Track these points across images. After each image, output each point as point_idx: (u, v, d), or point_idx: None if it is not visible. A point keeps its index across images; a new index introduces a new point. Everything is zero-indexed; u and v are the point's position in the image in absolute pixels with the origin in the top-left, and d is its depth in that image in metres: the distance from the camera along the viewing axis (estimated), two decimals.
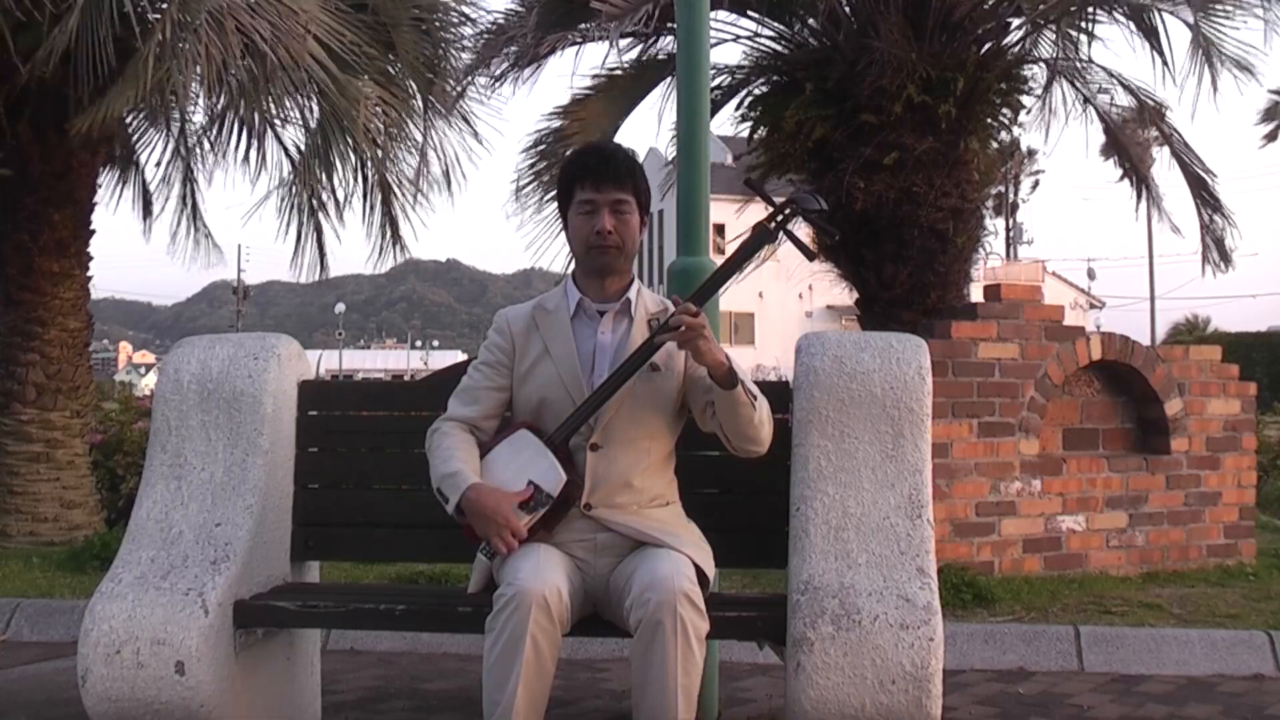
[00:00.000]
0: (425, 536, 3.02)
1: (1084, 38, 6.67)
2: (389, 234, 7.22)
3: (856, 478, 2.72)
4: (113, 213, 6.88)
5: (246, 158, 7.22)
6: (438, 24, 6.97)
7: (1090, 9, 6.41)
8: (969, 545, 5.01)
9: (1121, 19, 6.53)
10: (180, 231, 7.86)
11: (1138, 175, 7.72)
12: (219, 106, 6.66)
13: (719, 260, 2.79)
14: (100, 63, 5.09)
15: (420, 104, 6.97)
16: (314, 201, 7.30)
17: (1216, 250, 7.42)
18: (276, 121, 7.10)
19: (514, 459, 2.56)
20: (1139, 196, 7.74)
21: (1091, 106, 7.34)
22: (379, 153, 6.77)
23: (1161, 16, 6.40)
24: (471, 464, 2.57)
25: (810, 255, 2.96)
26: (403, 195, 7.06)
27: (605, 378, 2.57)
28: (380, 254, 7.27)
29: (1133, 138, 7.85)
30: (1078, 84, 7.26)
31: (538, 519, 2.51)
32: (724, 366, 2.46)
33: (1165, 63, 6.45)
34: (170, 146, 7.47)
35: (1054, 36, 6.80)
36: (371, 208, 7.11)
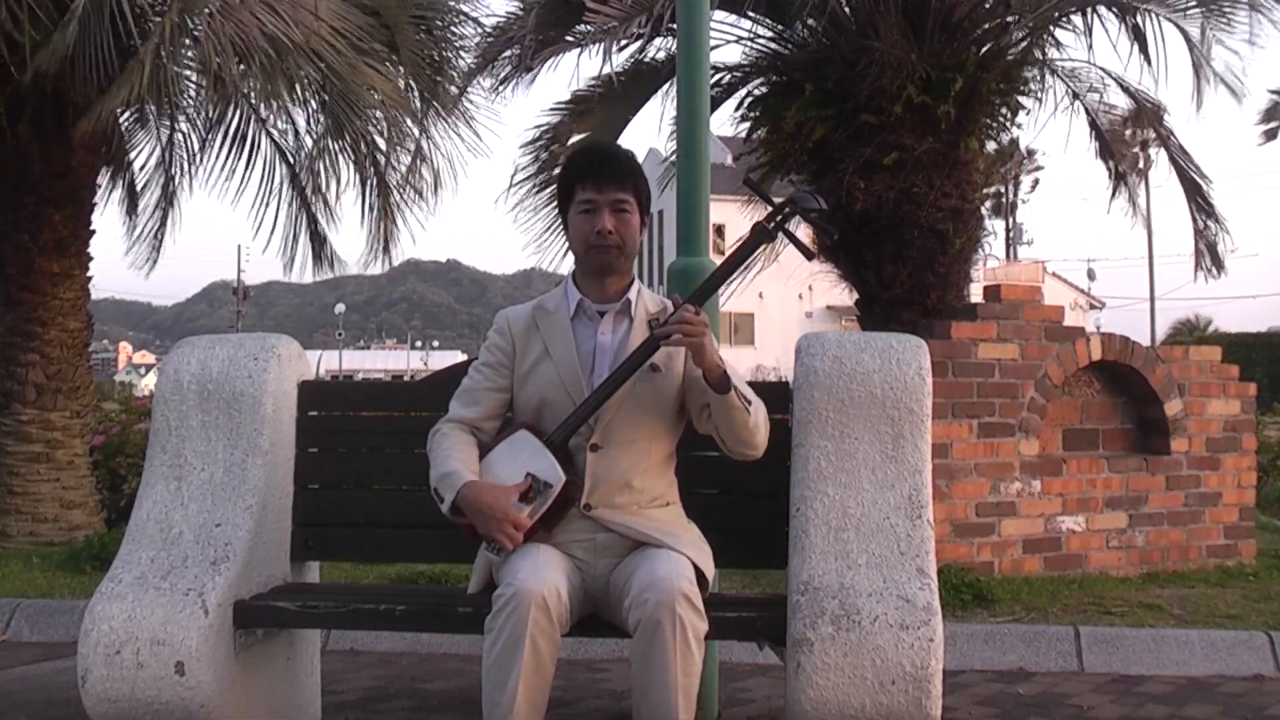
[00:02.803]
0: (425, 536, 3.02)
1: (1078, 37, 6.70)
2: (384, 235, 7.18)
3: (856, 478, 2.72)
4: (101, 214, 6.80)
5: (240, 150, 7.20)
6: (440, 23, 6.96)
7: (1085, 9, 6.42)
8: (969, 545, 5.01)
9: (1115, 20, 6.55)
10: (155, 229, 7.80)
11: (1118, 173, 7.79)
12: (215, 103, 6.63)
13: (719, 260, 2.79)
14: (101, 64, 5.09)
15: (419, 103, 6.95)
16: (312, 197, 7.28)
17: (1210, 255, 7.48)
18: (272, 116, 7.07)
19: (514, 459, 2.56)
20: (1114, 193, 7.84)
21: (1080, 104, 7.36)
22: (379, 153, 6.75)
23: (1158, 21, 6.41)
24: (468, 463, 2.57)
25: (809, 255, 2.96)
26: (400, 195, 7.05)
27: (605, 378, 2.58)
28: (375, 255, 7.24)
29: (1118, 135, 7.90)
30: (1069, 82, 7.28)
31: (538, 520, 2.50)
32: (719, 370, 2.46)
33: (1149, 61, 6.50)
34: (157, 147, 7.45)
35: (1044, 37, 6.80)
36: (371, 208, 7.09)
